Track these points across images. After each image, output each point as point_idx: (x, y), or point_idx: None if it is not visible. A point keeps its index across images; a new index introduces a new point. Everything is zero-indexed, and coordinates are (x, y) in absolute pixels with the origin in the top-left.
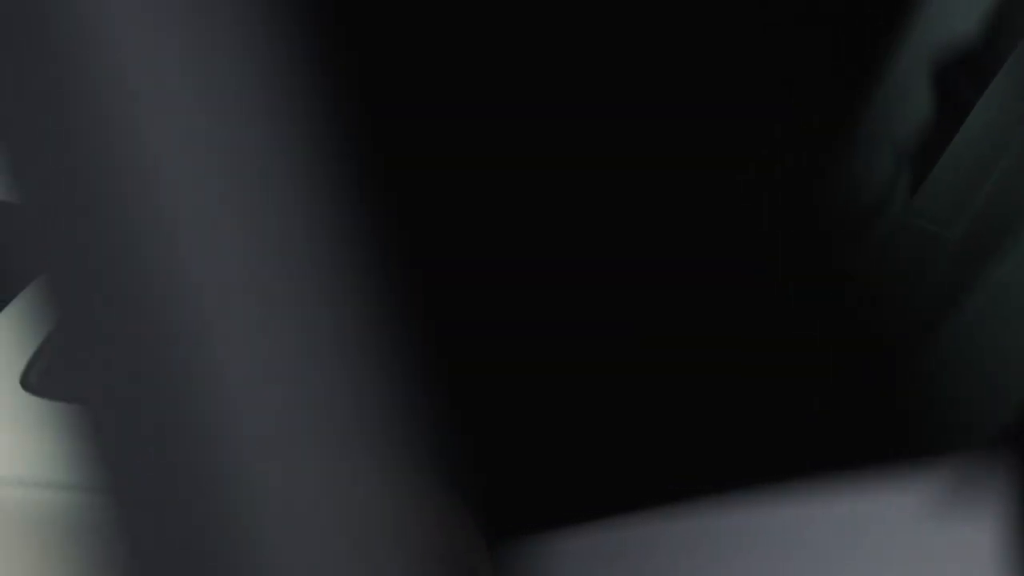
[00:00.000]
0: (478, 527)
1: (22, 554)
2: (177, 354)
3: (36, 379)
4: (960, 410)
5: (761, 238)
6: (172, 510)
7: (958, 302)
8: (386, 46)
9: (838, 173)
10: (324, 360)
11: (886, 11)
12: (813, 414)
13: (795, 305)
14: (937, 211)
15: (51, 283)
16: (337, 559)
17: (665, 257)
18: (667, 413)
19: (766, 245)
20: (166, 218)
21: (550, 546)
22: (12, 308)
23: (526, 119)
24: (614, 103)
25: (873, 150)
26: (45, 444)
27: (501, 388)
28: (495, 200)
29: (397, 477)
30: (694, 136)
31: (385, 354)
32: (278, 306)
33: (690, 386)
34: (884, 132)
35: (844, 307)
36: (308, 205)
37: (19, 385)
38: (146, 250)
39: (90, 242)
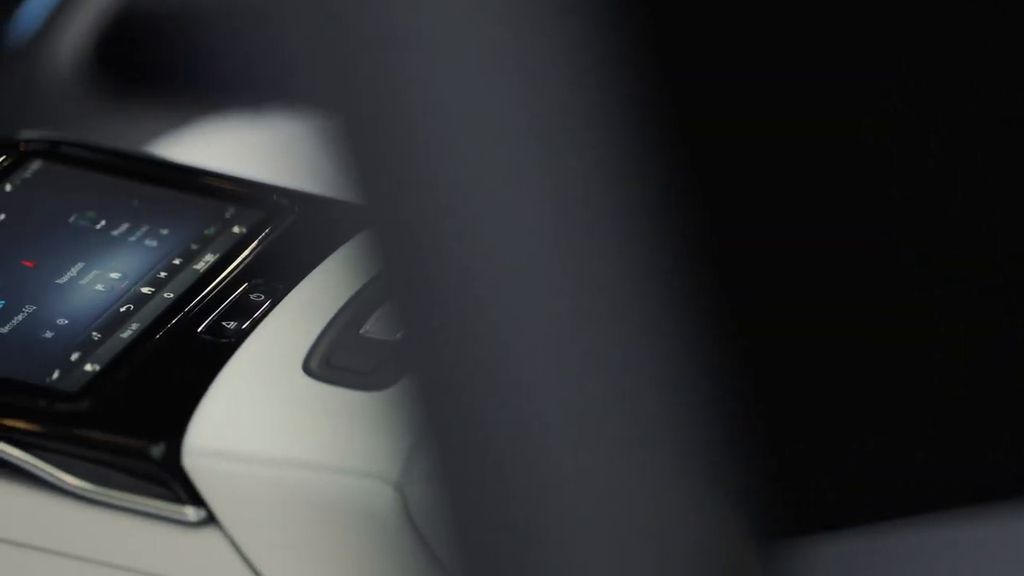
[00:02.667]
0: (748, 526)
1: (302, 535)
2: (487, 350)
3: (317, 365)
4: None
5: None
6: (470, 502)
7: None
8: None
9: None
10: (629, 352)
11: None
12: None
13: None
14: None
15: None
16: (619, 555)
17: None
18: (963, 404)
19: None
20: (477, 210)
21: (823, 549)
22: (295, 295)
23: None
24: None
25: None
26: (324, 429)
27: (788, 378)
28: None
29: (679, 473)
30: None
31: (685, 347)
32: (587, 298)
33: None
34: None
35: None
36: (617, 187)
37: (301, 370)
38: (459, 245)
39: (408, 241)
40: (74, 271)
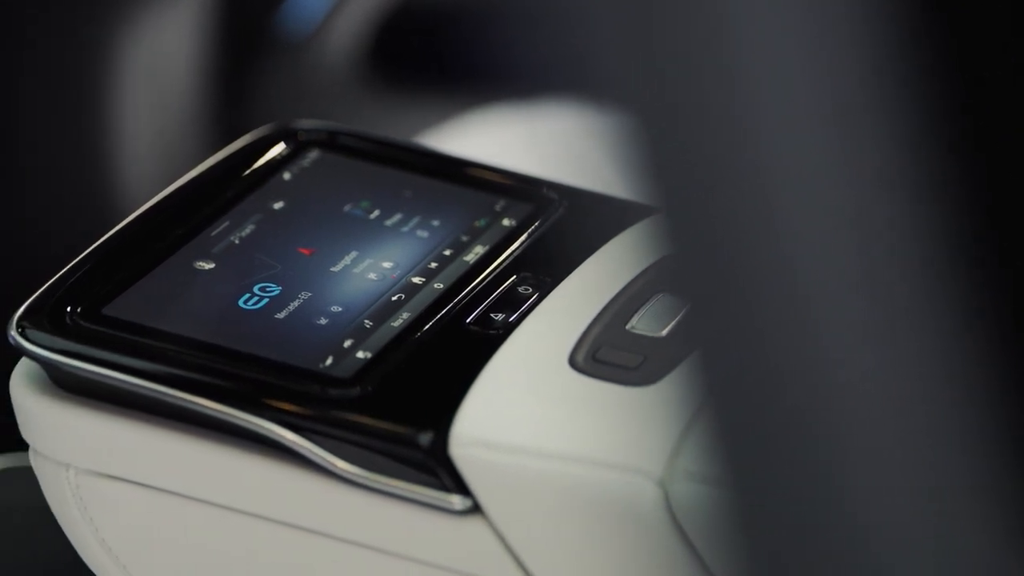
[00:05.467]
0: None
1: (565, 527)
2: (789, 354)
3: (583, 359)
4: None
5: None
6: (755, 503)
7: None
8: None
9: None
10: (924, 360)
11: None
12: None
13: None
14: None
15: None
16: (901, 563)
17: None
18: None
19: None
20: (782, 214)
21: None
22: (563, 289)
23: None
24: None
25: None
26: (589, 423)
27: None
28: None
29: (962, 485)
30: None
31: (976, 359)
32: (887, 303)
33: None
34: None
35: None
36: (916, 181)
37: (567, 364)
38: (763, 249)
39: (712, 242)
40: (348, 259)
